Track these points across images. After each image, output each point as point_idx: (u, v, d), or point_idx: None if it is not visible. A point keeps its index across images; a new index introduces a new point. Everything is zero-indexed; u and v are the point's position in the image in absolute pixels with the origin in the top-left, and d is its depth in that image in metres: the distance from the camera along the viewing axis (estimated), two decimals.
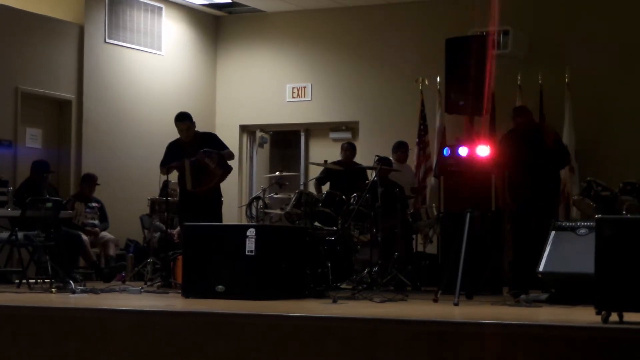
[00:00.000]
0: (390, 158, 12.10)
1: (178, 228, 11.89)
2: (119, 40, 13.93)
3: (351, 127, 14.88)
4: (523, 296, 8.70)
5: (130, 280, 11.95)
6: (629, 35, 12.95)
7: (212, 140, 10.94)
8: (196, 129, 10.95)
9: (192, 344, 6.82)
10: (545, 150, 10.79)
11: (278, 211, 11.31)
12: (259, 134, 15.49)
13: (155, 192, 12.09)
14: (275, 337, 6.66)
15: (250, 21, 15.34)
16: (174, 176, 11.30)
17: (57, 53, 13.22)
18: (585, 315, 6.72)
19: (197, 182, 10.63)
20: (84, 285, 10.17)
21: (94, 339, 7.10)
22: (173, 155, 10.81)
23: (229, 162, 10.87)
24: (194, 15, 15.15)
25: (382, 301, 8.67)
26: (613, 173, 11.65)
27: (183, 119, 10.84)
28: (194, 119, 10.93)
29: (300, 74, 15.04)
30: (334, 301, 8.43)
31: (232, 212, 13.84)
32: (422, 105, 13.51)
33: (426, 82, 13.50)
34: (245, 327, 6.79)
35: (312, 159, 14.66)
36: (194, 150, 10.68)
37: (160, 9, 14.55)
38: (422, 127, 13.49)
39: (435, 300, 8.69)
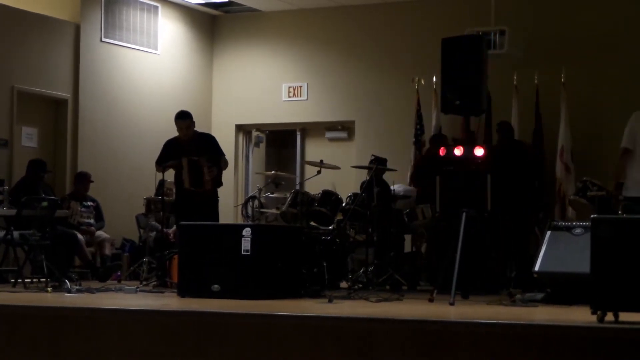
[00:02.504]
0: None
1: (174, 227, 11.89)
2: (115, 39, 13.92)
3: (347, 127, 14.88)
4: (519, 296, 8.72)
5: (126, 279, 11.97)
6: (625, 35, 12.96)
7: (210, 143, 10.94)
8: (195, 129, 10.98)
9: (187, 344, 6.82)
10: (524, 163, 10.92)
11: (274, 210, 11.32)
12: (255, 133, 15.49)
13: (151, 191, 12.09)
14: (271, 336, 6.65)
15: (247, 20, 15.33)
16: (169, 175, 11.30)
17: (53, 52, 13.21)
18: (581, 315, 6.72)
19: (195, 181, 10.64)
20: (80, 285, 10.16)
21: (89, 338, 7.10)
22: (170, 153, 10.81)
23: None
24: (190, 14, 15.15)
25: (378, 301, 8.67)
26: (609, 173, 11.65)
27: (184, 117, 10.84)
28: None
29: (296, 73, 15.04)
30: (330, 301, 8.43)
31: (228, 211, 13.83)
32: (418, 104, 13.51)
33: (422, 82, 13.50)
34: (241, 326, 6.79)
35: (308, 158, 14.67)
36: (192, 150, 10.69)
37: (156, 8, 14.54)
38: (418, 126, 13.49)
39: (431, 300, 8.69)
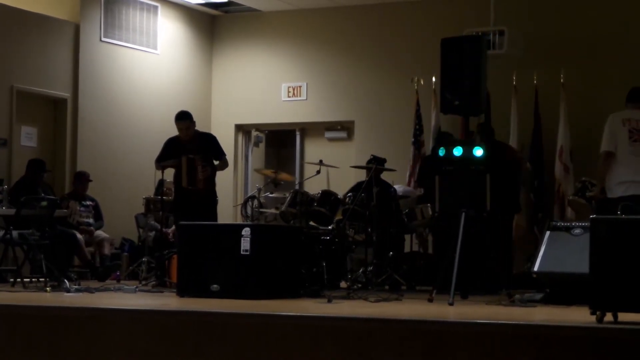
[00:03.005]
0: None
1: (173, 227, 11.89)
2: (114, 38, 13.92)
3: (346, 127, 14.88)
4: (518, 296, 8.72)
5: (125, 279, 11.97)
6: (624, 35, 12.97)
7: (210, 143, 10.96)
8: (195, 128, 10.98)
9: (186, 343, 6.82)
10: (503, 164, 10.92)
11: (273, 210, 11.31)
12: (254, 133, 15.48)
13: (150, 191, 12.09)
14: (270, 336, 6.66)
15: (246, 20, 15.33)
16: (169, 175, 11.30)
17: (53, 51, 13.21)
18: (580, 315, 6.73)
19: (191, 179, 10.65)
20: (79, 284, 10.15)
21: (88, 338, 7.10)
22: (170, 152, 10.83)
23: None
24: (189, 14, 15.15)
25: (377, 301, 8.67)
26: None
27: (183, 118, 10.86)
28: None
29: (296, 73, 15.05)
30: (329, 300, 8.43)
31: (227, 211, 13.84)
32: (418, 105, 13.51)
33: (421, 82, 13.50)
34: (240, 326, 6.79)
35: (307, 158, 14.67)
36: (192, 149, 10.70)
37: (156, 7, 14.54)
38: (417, 126, 13.49)
39: (430, 300, 8.69)
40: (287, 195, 11.01)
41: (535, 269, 8.76)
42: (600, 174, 9.58)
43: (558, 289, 8.58)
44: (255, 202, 11.32)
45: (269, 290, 8.82)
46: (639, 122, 9.57)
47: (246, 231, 8.87)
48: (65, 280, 9.90)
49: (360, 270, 10.83)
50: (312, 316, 6.92)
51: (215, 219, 10.92)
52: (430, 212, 11.15)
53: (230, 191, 14.94)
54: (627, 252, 6.36)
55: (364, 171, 11.35)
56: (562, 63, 12.87)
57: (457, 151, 9.22)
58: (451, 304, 8.20)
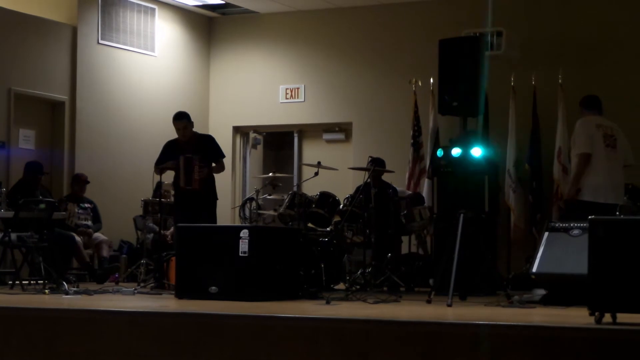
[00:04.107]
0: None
1: (171, 229, 11.89)
2: (112, 41, 13.92)
3: (344, 128, 14.88)
4: (516, 297, 8.72)
5: (124, 281, 11.96)
6: (622, 36, 12.97)
7: (209, 144, 10.95)
8: (194, 130, 10.98)
9: (185, 345, 6.82)
10: None
11: (271, 212, 11.31)
12: (252, 135, 15.49)
13: (148, 193, 12.09)
14: (269, 338, 6.66)
15: (244, 22, 15.33)
16: (167, 177, 11.30)
17: (51, 54, 13.21)
18: (578, 316, 6.72)
19: (189, 180, 10.64)
20: (77, 287, 10.16)
21: (87, 340, 7.10)
22: (169, 155, 10.82)
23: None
24: (187, 16, 15.14)
25: (376, 302, 8.67)
26: None
27: (180, 118, 10.86)
28: None
29: (294, 75, 15.04)
30: (328, 302, 8.43)
31: (225, 213, 13.83)
32: (416, 106, 13.50)
33: (419, 83, 13.50)
34: (238, 328, 6.79)
35: (305, 160, 14.66)
36: (191, 151, 10.69)
37: (153, 10, 14.54)
38: (415, 128, 13.48)
39: (429, 301, 8.69)
40: (285, 197, 11.01)
41: (534, 270, 8.76)
42: (577, 175, 9.66)
43: (557, 290, 8.58)
44: (254, 203, 11.31)
45: (267, 292, 8.82)
46: (608, 128, 9.70)
47: (244, 233, 8.87)
48: (64, 283, 9.89)
49: (359, 272, 10.83)
50: (310, 318, 6.92)
51: (215, 220, 10.91)
52: (428, 214, 11.16)
53: (229, 193, 14.94)
54: (626, 252, 6.36)
55: (362, 173, 11.33)
56: (560, 64, 12.86)
57: (456, 152, 9.21)
58: (450, 305, 8.20)
